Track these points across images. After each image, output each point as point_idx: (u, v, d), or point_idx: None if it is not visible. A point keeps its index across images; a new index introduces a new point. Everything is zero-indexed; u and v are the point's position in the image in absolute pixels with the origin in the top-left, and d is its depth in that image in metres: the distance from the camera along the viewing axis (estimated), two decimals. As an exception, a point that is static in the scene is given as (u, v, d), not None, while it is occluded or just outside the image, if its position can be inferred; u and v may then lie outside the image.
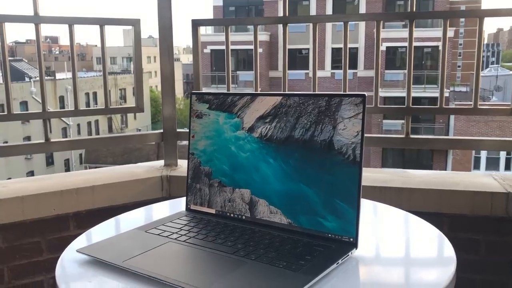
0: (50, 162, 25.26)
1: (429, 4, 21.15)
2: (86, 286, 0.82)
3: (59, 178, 1.99)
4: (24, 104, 23.77)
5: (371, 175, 1.93)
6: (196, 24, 2.07)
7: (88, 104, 32.04)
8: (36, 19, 1.85)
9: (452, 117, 21.56)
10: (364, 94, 0.86)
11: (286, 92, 0.97)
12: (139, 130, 33.38)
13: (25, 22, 1.85)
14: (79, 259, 0.89)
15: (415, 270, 0.87)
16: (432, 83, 21.90)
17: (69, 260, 0.90)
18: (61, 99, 26.29)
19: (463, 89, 26.65)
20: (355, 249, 0.88)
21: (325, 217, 0.90)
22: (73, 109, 1.97)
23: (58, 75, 28.18)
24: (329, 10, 22.22)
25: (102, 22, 1.97)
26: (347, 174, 0.88)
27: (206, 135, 1.08)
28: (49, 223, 1.82)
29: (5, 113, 1.84)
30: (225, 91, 1.81)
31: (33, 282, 1.82)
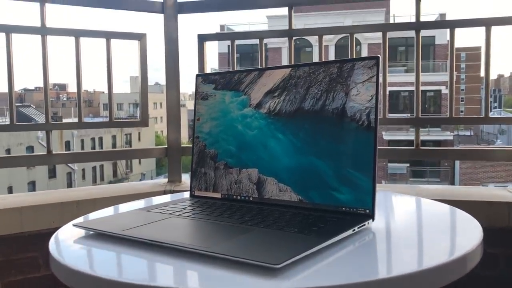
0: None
1: (430, 49, 21.56)
2: (80, 255, 0.75)
3: (60, 193, 1.94)
4: (31, 149, 23.90)
5: (383, 189, 1.87)
6: (202, 39, 2.07)
7: (93, 149, 32.21)
8: (43, 31, 1.86)
9: (457, 160, 21.52)
10: (378, 56, 0.83)
11: (296, 63, 0.94)
12: (144, 174, 33.39)
13: (32, 33, 1.85)
14: (75, 233, 0.83)
15: (436, 242, 0.80)
16: (436, 126, 21.99)
17: (65, 234, 0.84)
18: (67, 144, 26.45)
19: (467, 133, 26.75)
20: (371, 220, 0.81)
21: (339, 190, 0.84)
22: (76, 121, 1.94)
23: (65, 121, 28.51)
24: (331, 56, 22.65)
25: (108, 36, 1.98)
26: (361, 141, 0.83)
27: (211, 117, 1.03)
28: (48, 236, 1.75)
29: (8, 123, 1.81)
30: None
31: (29, 299, 1.73)
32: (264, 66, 1.99)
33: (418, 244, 0.77)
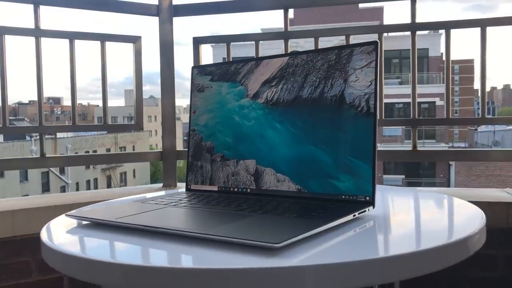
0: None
1: (423, 61, 21.74)
2: (72, 240, 0.73)
3: (53, 197, 1.91)
4: (24, 162, 23.69)
5: (382, 186, 1.85)
6: (198, 41, 2.06)
7: (88, 166, 32.07)
8: (37, 33, 1.84)
9: (452, 171, 21.60)
10: (377, 41, 0.81)
11: (293, 51, 0.92)
12: (138, 188, 33.16)
13: (26, 35, 1.84)
14: (68, 223, 0.81)
15: (437, 226, 0.78)
16: (430, 138, 22.10)
17: (57, 224, 0.82)
18: (61, 157, 26.25)
19: (462, 144, 26.90)
20: (372, 207, 0.79)
21: (338, 178, 0.83)
22: (70, 124, 1.92)
23: (59, 134, 28.39)
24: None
25: (103, 38, 1.97)
26: (360, 127, 0.81)
27: (208, 109, 1.02)
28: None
29: (0, 125, 1.79)
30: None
31: (20, 305, 1.69)
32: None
33: (419, 228, 0.75)
